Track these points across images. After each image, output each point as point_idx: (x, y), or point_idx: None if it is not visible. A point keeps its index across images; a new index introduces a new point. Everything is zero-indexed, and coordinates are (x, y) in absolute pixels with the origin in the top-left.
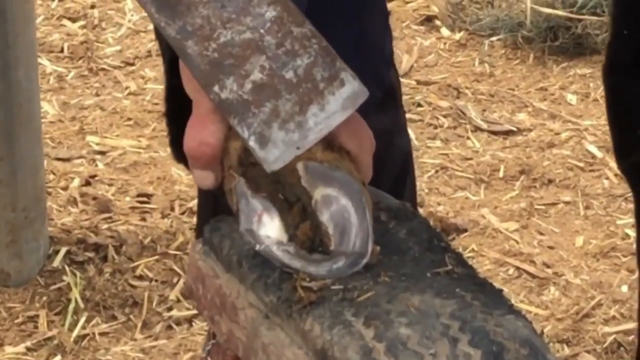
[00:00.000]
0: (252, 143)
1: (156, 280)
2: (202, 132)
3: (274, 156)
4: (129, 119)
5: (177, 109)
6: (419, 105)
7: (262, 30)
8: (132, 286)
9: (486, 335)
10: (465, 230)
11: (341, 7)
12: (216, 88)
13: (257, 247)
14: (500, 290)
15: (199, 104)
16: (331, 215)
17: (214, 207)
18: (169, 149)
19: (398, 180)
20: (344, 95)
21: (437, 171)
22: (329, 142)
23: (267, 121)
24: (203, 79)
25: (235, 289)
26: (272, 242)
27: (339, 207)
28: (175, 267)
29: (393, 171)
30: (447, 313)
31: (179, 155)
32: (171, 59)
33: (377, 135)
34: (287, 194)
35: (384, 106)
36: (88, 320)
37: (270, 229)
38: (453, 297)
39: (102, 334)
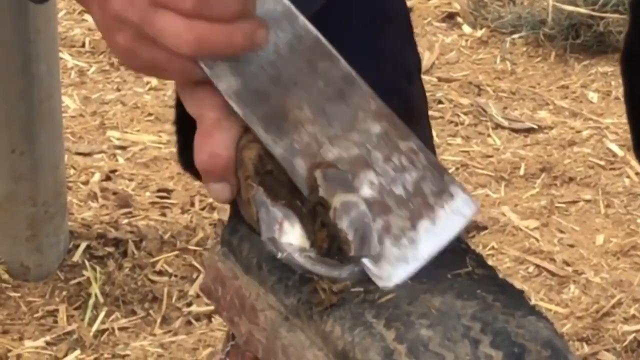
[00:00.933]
0: (365, 260)
1: (176, 276)
2: (211, 144)
3: (387, 273)
4: (150, 114)
5: (185, 117)
6: (440, 102)
7: (369, 146)
8: (152, 281)
9: (508, 336)
10: (485, 228)
11: (358, 19)
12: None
13: (279, 255)
14: (521, 292)
15: (203, 119)
16: (351, 222)
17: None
18: None
19: None
20: (454, 208)
21: (457, 168)
22: None
23: (380, 238)
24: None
25: (254, 291)
26: (294, 249)
27: (359, 213)
28: (195, 263)
29: None
30: (468, 314)
31: (186, 163)
32: None
33: None
34: (305, 202)
35: (405, 119)
36: (107, 315)
37: (291, 236)
38: (474, 298)
39: (121, 328)
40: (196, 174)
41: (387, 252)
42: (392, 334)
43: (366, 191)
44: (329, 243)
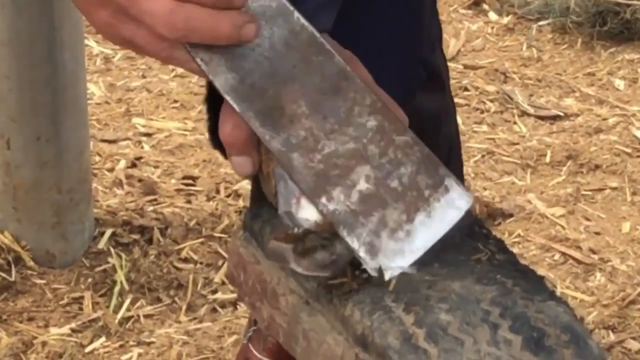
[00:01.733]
0: (362, 254)
1: (201, 263)
2: (235, 116)
3: (384, 266)
4: (175, 101)
5: (216, 95)
6: (466, 89)
7: (364, 140)
8: (177, 268)
9: (527, 321)
10: (511, 216)
11: None
12: (324, 200)
13: (295, 230)
14: (542, 277)
15: None
16: None
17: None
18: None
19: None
20: (449, 201)
21: (483, 156)
22: None
23: (376, 231)
24: (310, 191)
25: (276, 276)
26: (310, 224)
27: None
28: (220, 250)
29: (439, 155)
30: (487, 299)
31: (216, 141)
32: None
33: (422, 118)
34: None
35: (430, 89)
36: (133, 302)
37: (308, 211)
38: (494, 283)
39: (146, 316)
40: (224, 153)
41: (383, 246)
42: (411, 318)
43: (362, 185)
44: None
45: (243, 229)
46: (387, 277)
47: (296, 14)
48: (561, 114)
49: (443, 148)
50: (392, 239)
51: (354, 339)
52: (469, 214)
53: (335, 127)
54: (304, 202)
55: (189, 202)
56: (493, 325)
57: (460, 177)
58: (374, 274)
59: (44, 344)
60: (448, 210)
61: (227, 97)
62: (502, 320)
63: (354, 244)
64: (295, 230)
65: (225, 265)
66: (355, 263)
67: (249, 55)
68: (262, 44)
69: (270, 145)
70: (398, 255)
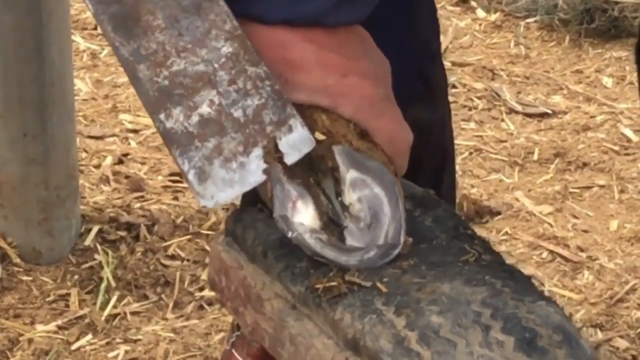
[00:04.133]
0: (190, 177)
1: (188, 260)
2: None
3: (211, 193)
4: None
5: None
6: (454, 86)
7: (216, 65)
8: (164, 265)
9: (518, 322)
10: (499, 213)
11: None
12: (162, 116)
13: (290, 235)
14: (529, 277)
15: None
16: (363, 196)
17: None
18: None
19: (435, 176)
20: (290, 142)
21: (471, 153)
22: (363, 134)
23: (209, 157)
24: (150, 105)
25: (260, 280)
26: (305, 229)
27: (372, 195)
28: (207, 247)
29: (430, 166)
30: (477, 300)
31: None
32: None
33: (416, 127)
34: (320, 181)
35: (425, 99)
36: (119, 300)
37: (304, 216)
38: (483, 284)
39: (133, 313)
40: None
41: (213, 173)
42: (403, 321)
43: (204, 109)
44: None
45: (225, 234)
46: (210, 205)
47: None
48: (549, 111)
49: (436, 158)
50: (224, 168)
51: (344, 342)
52: (452, 214)
53: (188, 46)
54: (300, 205)
55: (176, 199)
56: (485, 326)
57: (453, 186)
58: (198, 199)
59: (30, 341)
60: (288, 150)
61: None
62: (493, 321)
63: (184, 165)
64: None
65: None
66: (344, 268)
67: None
68: None
69: (117, 51)
70: (227, 185)
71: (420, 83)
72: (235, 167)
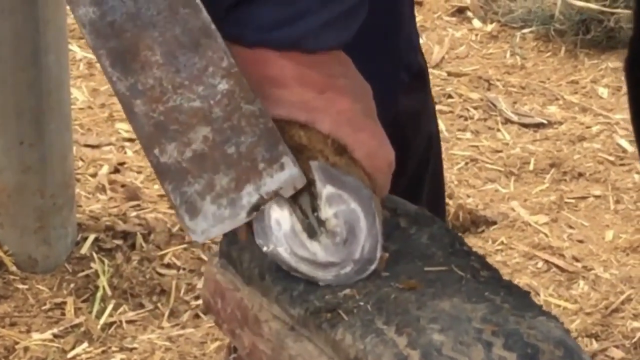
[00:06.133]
0: (181, 212)
1: (184, 269)
2: None
3: (201, 228)
4: None
5: None
6: (450, 96)
7: (211, 102)
8: (160, 274)
9: (520, 338)
10: (495, 223)
11: None
12: (156, 151)
13: (265, 249)
14: (527, 292)
15: None
16: (339, 211)
17: None
18: None
19: (422, 161)
20: (282, 179)
21: (467, 163)
22: (341, 149)
23: (201, 193)
24: (145, 140)
25: (257, 302)
26: (281, 239)
27: (348, 210)
28: (203, 256)
29: (419, 151)
30: (478, 317)
31: None
32: None
33: (405, 118)
34: (297, 196)
35: (412, 90)
36: (115, 308)
37: (283, 221)
38: (483, 300)
39: (129, 321)
40: None
41: (205, 208)
42: (404, 340)
43: (198, 145)
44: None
45: (219, 256)
46: (201, 240)
47: None
48: (545, 121)
49: (421, 146)
50: (215, 204)
51: None
52: (447, 231)
53: (185, 82)
54: (277, 215)
55: (172, 207)
56: (487, 343)
57: (440, 176)
58: (189, 233)
59: (26, 349)
60: (278, 187)
61: (83, 30)
62: (495, 338)
63: (176, 200)
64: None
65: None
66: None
67: None
68: None
69: (114, 86)
70: (218, 221)
71: (404, 75)
72: (226, 203)
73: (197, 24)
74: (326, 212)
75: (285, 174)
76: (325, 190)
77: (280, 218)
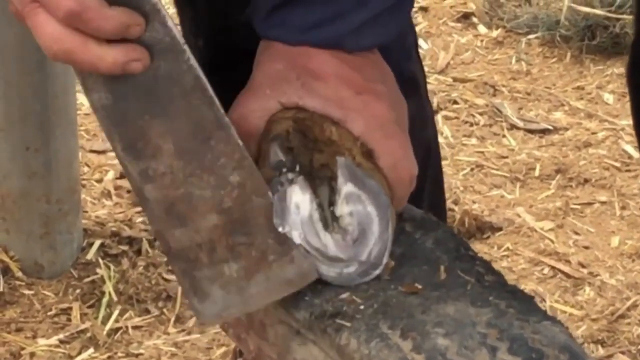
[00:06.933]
0: (190, 295)
1: None
2: (246, 106)
3: (210, 312)
4: None
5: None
6: (455, 102)
7: (222, 192)
8: (166, 280)
9: (525, 342)
10: (500, 229)
11: None
12: (167, 235)
13: (280, 230)
14: (532, 297)
15: (253, 77)
16: (355, 211)
17: None
18: None
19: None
20: (292, 272)
21: (472, 169)
22: (368, 153)
23: (211, 278)
24: (155, 224)
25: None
26: (297, 223)
27: (364, 211)
28: None
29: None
30: (483, 322)
31: None
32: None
33: None
34: (317, 187)
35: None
36: (121, 314)
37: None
38: (487, 305)
39: (135, 327)
40: None
41: (213, 293)
42: (409, 344)
43: (205, 234)
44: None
45: None
46: (209, 323)
47: (187, 54)
48: (550, 127)
49: (419, 154)
50: (224, 290)
51: None
52: (452, 235)
53: (196, 171)
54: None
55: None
56: (491, 348)
57: (440, 185)
58: (197, 316)
59: (32, 355)
60: (285, 280)
61: (97, 114)
62: (499, 342)
63: (185, 284)
64: None
65: None
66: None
67: (130, 80)
68: (146, 74)
69: (126, 169)
70: (227, 307)
71: (400, 79)
72: (234, 291)
73: (211, 117)
74: (342, 209)
75: (295, 267)
76: (346, 187)
77: (301, 203)
